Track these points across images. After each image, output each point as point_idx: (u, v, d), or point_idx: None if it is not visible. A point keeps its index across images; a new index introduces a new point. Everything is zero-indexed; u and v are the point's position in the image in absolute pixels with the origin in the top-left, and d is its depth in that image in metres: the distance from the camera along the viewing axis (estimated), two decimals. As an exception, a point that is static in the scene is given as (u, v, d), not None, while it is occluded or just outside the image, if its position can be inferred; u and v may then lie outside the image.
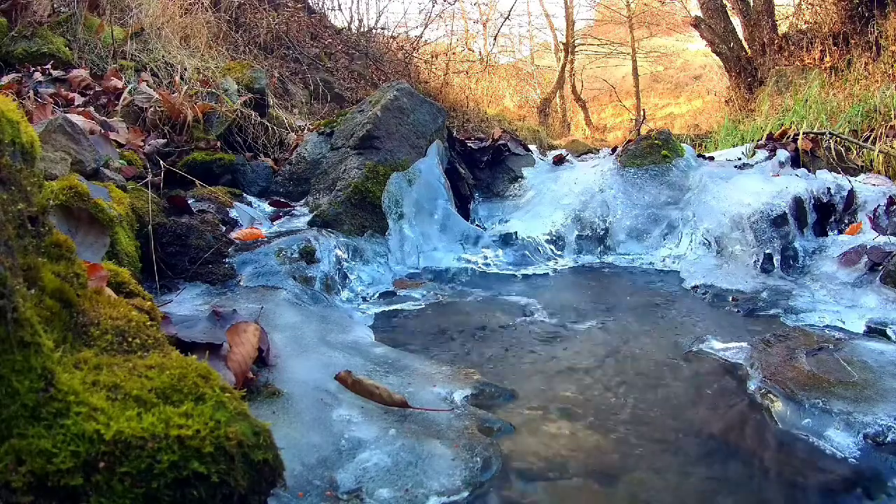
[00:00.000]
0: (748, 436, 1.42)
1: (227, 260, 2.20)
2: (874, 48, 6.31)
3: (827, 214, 3.05)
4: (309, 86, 6.25)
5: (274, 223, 2.80)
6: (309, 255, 2.33)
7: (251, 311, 1.78)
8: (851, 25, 6.71)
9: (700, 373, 1.75)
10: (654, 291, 2.61)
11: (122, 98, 3.16)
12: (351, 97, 6.48)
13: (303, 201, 3.13)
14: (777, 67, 8.02)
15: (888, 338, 1.99)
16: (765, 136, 4.14)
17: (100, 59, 3.66)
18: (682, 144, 3.61)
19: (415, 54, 8.93)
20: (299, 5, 7.35)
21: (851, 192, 3.05)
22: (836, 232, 3.00)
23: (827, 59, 6.99)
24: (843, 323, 2.13)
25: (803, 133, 3.71)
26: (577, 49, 17.97)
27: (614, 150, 3.83)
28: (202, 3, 4.82)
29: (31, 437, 0.68)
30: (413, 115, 3.22)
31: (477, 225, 3.40)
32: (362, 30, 8.48)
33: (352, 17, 9.56)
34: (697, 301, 2.47)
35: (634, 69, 18.31)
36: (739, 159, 3.65)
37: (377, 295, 2.46)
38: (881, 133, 3.62)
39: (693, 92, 19.39)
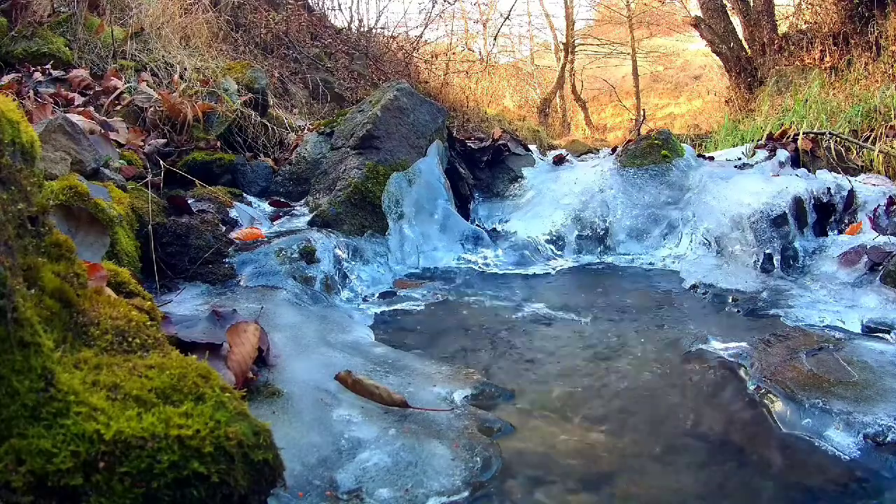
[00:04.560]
0: (748, 436, 1.42)
1: (227, 260, 2.20)
2: (874, 48, 6.31)
3: (827, 214, 3.05)
4: (309, 86, 6.25)
5: (274, 223, 2.80)
6: (309, 255, 2.33)
7: (251, 310, 1.78)
8: (851, 25, 6.70)
9: (700, 373, 1.75)
10: (654, 291, 2.61)
11: (121, 98, 3.16)
12: (351, 97, 6.48)
13: (303, 201, 3.13)
14: (777, 67, 8.02)
15: (888, 338, 1.99)
16: (765, 136, 4.14)
17: (100, 59, 3.66)
18: (682, 144, 3.61)
19: (415, 54, 8.92)
20: (299, 3, 7.34)
21: (851, 192, 3.05)
22: (836, 232, 3.00)
23: (827, 59, 6.99)
24: (843, 323, 2.13)
25: (803, 133, 3.71)
26: (577, 49, 17.96)
27: (614, 150, 3.83)
28: (202, 3, 4.82)
29: (31, 437, 0.68)
30: (413, 115, 3.22)
31: (477, 225, 3.39)
32: (362, 30, 8.47)
33: (352, 17, 9.56)
34: (697, 301, 2.47)
35: (634, 69, 18.31)
36: (739, 159, 3.65)
37: (377, 295, 2.46)
38: (881, 133, 3.62)
39: (693, 92, 19.38)
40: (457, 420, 1.39)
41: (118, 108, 3.12)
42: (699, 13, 9.96)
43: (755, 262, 2.78)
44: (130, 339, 0.94)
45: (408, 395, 1.44)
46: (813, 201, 3.00)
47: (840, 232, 2.98)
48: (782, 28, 8.88)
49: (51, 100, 2.83)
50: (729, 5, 9.40)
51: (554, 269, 3.01)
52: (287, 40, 6.55)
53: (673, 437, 1.41)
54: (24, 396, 0.70)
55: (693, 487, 1.22)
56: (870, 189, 3.07)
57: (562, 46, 17.59)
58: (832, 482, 1.24)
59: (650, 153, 3.43)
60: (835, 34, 6.96)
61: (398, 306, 2.34)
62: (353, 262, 2.58)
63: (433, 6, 9.57)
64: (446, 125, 3.50)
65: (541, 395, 1.61)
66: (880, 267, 2.47)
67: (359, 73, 7.22)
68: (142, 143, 2.90)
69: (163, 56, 3.77)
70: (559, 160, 3.84)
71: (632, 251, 3.16)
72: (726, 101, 9.75)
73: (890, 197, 2.97)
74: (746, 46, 9.13)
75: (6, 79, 3.01)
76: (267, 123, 3.72)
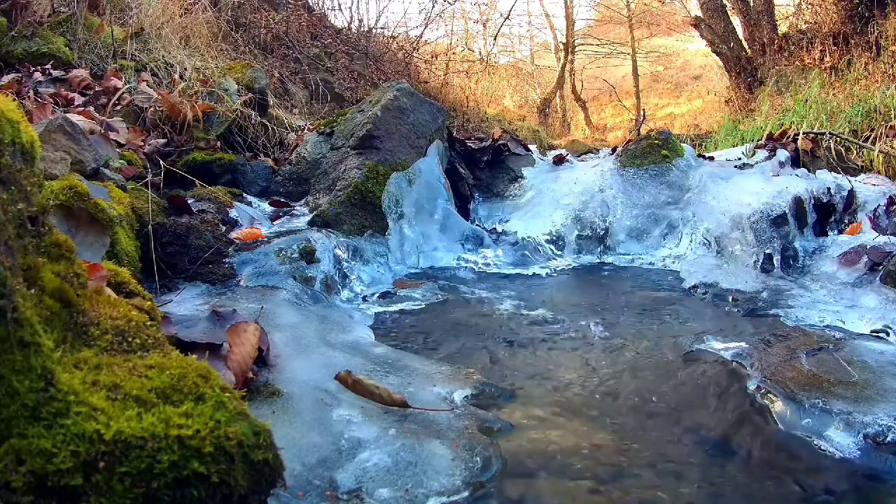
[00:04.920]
0: (748, 436, 1.42)
1: (227, 260, 2.20)
2: (874, 48, 6.30)
3: (827, 214, 3.05)
4: (309, 86, 6.25)
5: (274, 223, 2.80)
6: (309, 255, 2.33)
7: (251, 310, 1.78)
8: (851, 25, 6.70)
9: (700, 373, 1.75)
10: (654, 291, 2.60)
11: (121, 98, 3.16)
12: (351, 97, 6.48)
13: (303, 201, 3.13)
14: (777, 67, 8.01)
15: (888, 338, 1.99)
16: (765, 136, 4.14)
17: (100, 59, 3.66)
18: (682, 144, 3.61)
19: (415, 54, 8.92)
20: (299, 3, 7.34)
21: (851, 192, 3.05)
22: (836, 232, 3.00)
23: (827, 59, 6.99)
24: (843, 323, 2.13)
25: (803, 133, 3.71)
26: (577, 49, 17.96)
27: (614, 150, 3.83)
28: (202, 3, 4.82)
29: (31, 437, 0.68)
30: (413, 115, 3.22)
31: (477, 225, 3.40)
32: (362, 30, 8.47)
33: (352, 17, 9.55)
34: (697, 301, 2.47)
35: (634, 69, 18.31)
36: (739, 159, 3.65)
37: (377, 295, 2.46)
38: (881, 133, 3.61)
39: (693, 92, 19.38)
40: (457, 420, 1.39)
41: (118, 108, 3.12)
42: (699, 13, 9.95)
43: (755, 262, 2.78)
44: (130, 339, 0.94)
45: (408, 395, 1.44)
46: (813, 201, 3.00)
47: (840, 232, 2.98)
48: (782, 28, 8.88)
49: (51, 100, 2.83)
50: (729, 5, 9.40)
51: (554, 269, 3.00)
52: (287, 40, 6.55)
53: (673, 437, 1.41)
54: (24, 396, 0.70)
55: (693, 487, 1.22)
56: (870, 189, 3.07)
57: (562, 46, 17.60)
58: (832, 482, 1.24)
59: (650, 153, 3.43)
60: (835, 34, 6.96)
61: (398, 306, 2.34)
62: (353, 262, 2.58)
63: (433, 6, 9.57)
64: (446, 125, 3.50)
65: (541, 395, 1.61)
66: (880, 267, 2.47)
67: (359, 73, 7.22)
68: (142, 143, 2.90)
69: (163, 56, 3.77)
70: (559, 160, 3.84)
71: (632, 251, 3.16)
72: (726, 101, 9.74)
73: (890, 197, 2.97)
74: (746, 46, 9.13)
75: (6, 79, 3.01)
76: (267, 123, 3.72)
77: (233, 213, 2.62)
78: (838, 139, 3.65)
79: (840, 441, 1.36)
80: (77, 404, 0.73)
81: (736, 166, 3.46)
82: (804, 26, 7.88)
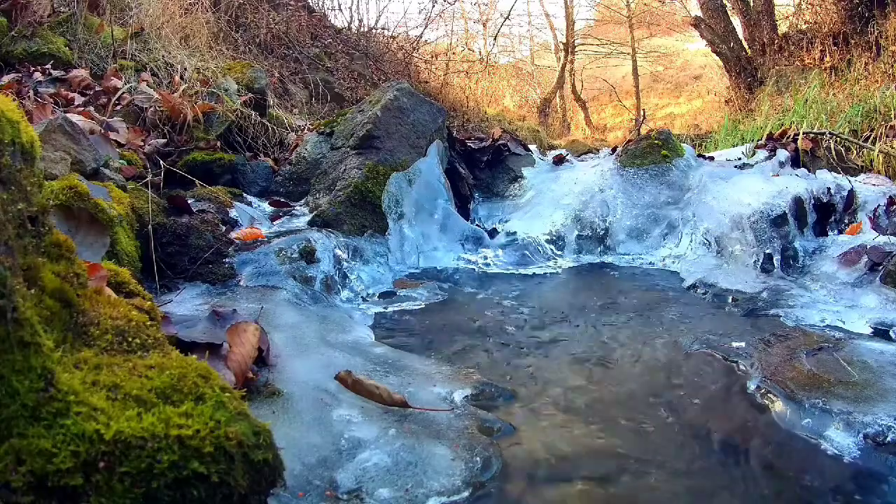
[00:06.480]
0: (748, 436, 1.42)
1: (227, 260, 2.20)
2: (874, 48, 6.31)
3: (827, 214, 3.05)
4: (309, 86, 6.25)
5: (274, 223, 2.80)
6: (309, 255, 2.33)
7: (251, 310, 1.78)
8: (851, 25, 6.70)
9: (700, 373, 1.75)
10: (654, 291, 2.60)
11: (121, 98, 3.16)
12: (351, 97, 6.48)
13: (303, 201, 3.13)
14: (777, 67, 8.02)
15: (888, 338, 1.99)
16: (765, 136, 4.14)
17: (100, 59, 3.66)
18: (682, 144, 3.61)
19: (415, 54, 8.92)
20: (300, 4, 7.34)
21: (851, 192, 3.05)
22: (836, 232, 3.00)
23: (827, 59, 6.99)
24: (843, 323, 2.13)
25: (803, 133, 3.71)
26: (577, 49, 17.96)
27: (614, 150, 3.83)
28: (202, 3, 4.82)
29: (31, 437, 0.68)
30: (413, 115, 3.22)
31: (477, 225, 3.39)
32: (362, 30, 8.47)
33: (352, 17, 9.55)
34: (697, 301, 2.47)
35: (634, 69, 18.30)
36: (739, 159, 3.65)
37: (377, 295, 2.46)
38: (881, 133, 3.61)
39: (693, 92, 19.37)
40: (457, 420, 1.39)
41: (118, 108, 3.12)
42: (699, 13, 9.95)
43: (755, 262, 2.78)
44: (130, 339, 0.94)
45: (408, 395, 1.44)
46: (813, 201, 3.00)
47: (840, 232, 2.98)
48: (782, 28, 8.88)
49: (51, 100, 2.83)
50: (729, 5, 9.40)
51: (554, 269, 3.00)
52: (287, 40, 6.55)
53: (673, 437, 1.41)
54: (24, 396, 0.70)
55: (692, 487, 1.22)
56: (870, 189, 3.07)
57: (562, 46, 17.59)
58: (832, 482, 1.24)
59: (650, 153, 3.43)
60: (835, 34, 6.96)
61: (398, 306, 2.34)
62: (353, 262, 2.58)
63: (433, 6, 9.57)
64: (446, 125, 3.50)
65: (541, 395, 1.61)
66: (880, 267, 2.47)
67: (359, 73, 7.22)
68: (142, 143, 2.90)
69: (163, 56, 3.77)
70: (559, 160, 3.84)
71: (632, 251, 3.16)
72: (726, 101, 9.74)
73: (890, 197, 2.97)
74: (746, 46, 9.13)
75: (6, 79, 3.01)
76: (267, 123, 3.72)
77: (233, 213, 2.62)
78: (838, 139, 3.65)
79: (840, 441, 1.36)
80: (77, 404, 0.73)
81: (736, 166, 3.46)
82: (804, 26, 7.88)
